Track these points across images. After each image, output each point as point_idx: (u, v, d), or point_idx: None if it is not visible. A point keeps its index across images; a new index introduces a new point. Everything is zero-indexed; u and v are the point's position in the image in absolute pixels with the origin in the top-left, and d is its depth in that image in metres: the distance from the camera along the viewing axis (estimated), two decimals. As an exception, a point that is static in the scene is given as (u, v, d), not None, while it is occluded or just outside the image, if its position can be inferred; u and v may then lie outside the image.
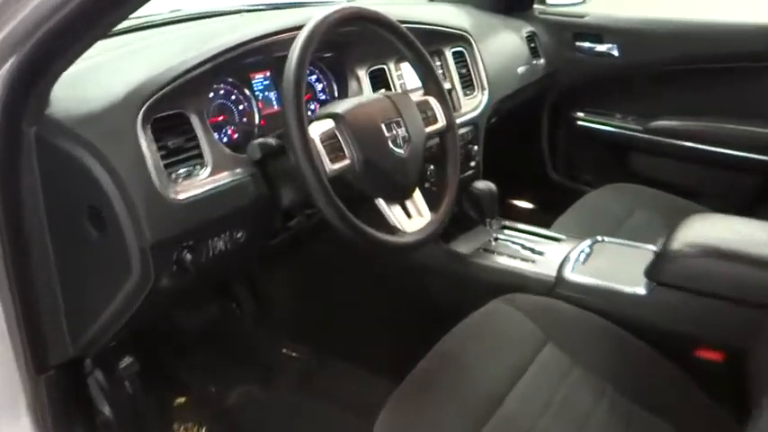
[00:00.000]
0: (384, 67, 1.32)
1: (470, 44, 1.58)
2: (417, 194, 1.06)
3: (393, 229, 1.00)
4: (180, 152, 0.91)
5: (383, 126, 1.00)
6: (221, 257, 0.97)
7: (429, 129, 1.10)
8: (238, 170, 0.96)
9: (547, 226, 1.54)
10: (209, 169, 0.93)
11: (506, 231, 1.49)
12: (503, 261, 1.36)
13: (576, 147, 2.16)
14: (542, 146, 2.18)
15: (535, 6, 2.05)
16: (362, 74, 1.27)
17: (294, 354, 1.69)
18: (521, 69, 1.83)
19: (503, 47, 1.78)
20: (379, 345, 1.54)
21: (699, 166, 1.89)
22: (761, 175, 1.78)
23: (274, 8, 1.44)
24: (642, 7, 1.96)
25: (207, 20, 1.28)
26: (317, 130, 0.92)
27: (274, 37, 1.05)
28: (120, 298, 0.86)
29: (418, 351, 1.05)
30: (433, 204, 1.08)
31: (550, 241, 1.43)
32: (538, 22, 2.02)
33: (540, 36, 1.99)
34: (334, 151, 0.92)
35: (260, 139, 0.96)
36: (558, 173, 2.19)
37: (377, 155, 0.98)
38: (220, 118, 1.05)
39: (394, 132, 1.01)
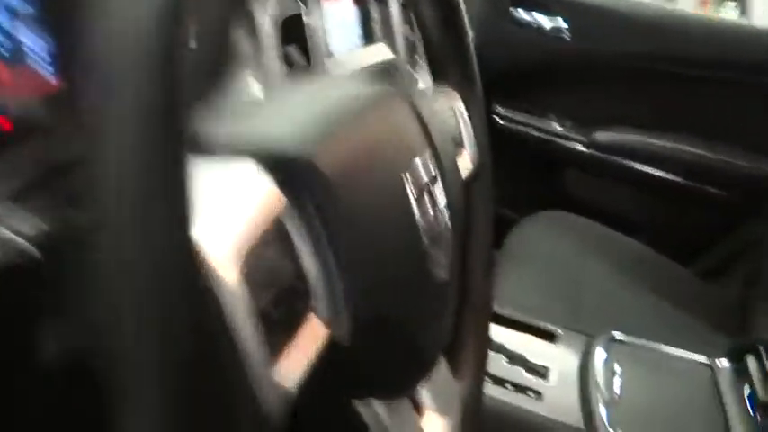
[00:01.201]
0: None
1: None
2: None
3: None
4: None
5: (410, 189, 0.34)
6: None
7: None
8: None
9: None
10: None
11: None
12: (491, 392, 0.78)
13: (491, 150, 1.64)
14: None
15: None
16: None
17: None
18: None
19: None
20: None
21: (653, 197, 1.49)
22: (723, 216, 1.43)
23: None
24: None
25: None
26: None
27: None
28: None
29: None
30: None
31: (542, 341, 0.88)
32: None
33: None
34: (283, 305, 0.25)
35: None
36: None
37: (401, 292, 0.33)
38: None
39: (427, 206, 0.35)
